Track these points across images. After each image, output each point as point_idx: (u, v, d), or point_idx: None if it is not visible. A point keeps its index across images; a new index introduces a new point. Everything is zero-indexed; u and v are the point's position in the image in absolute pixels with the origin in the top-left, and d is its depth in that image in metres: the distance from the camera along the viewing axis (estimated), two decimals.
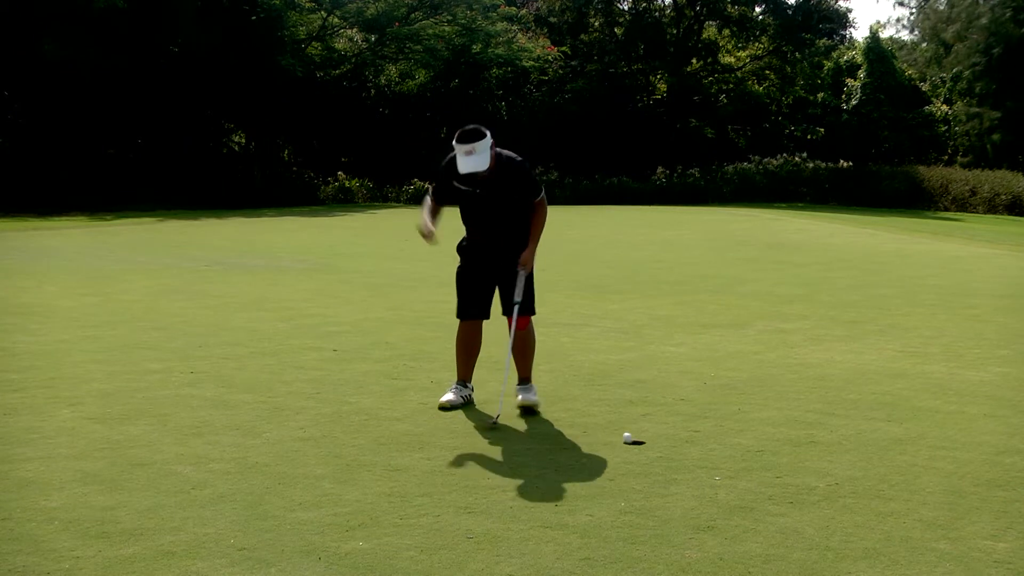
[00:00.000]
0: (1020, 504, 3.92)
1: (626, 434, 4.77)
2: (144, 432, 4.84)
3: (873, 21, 76.33)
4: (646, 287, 10.83)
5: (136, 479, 4.13)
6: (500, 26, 34.42)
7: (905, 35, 51.16)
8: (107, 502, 3.85)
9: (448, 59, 34.00)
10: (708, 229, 20.20)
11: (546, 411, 5.35)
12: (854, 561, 3.34)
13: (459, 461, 4.44)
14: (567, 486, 4.11)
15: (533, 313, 5.43)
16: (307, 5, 32.53)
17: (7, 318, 8.32)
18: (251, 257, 13.97)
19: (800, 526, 3.66)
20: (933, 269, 13.02)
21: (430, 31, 33.98)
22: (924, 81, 39.61)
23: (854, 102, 37.84)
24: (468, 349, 5.51)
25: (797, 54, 38.51)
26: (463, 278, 5.47)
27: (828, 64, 40.38)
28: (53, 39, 25.21)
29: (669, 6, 40.04)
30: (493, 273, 5.42)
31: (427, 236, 5.29)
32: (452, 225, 5.71)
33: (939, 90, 38.64)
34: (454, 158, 5.21)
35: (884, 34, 52.13)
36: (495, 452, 4.61)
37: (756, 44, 40.11)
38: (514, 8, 37.44)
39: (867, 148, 36.45)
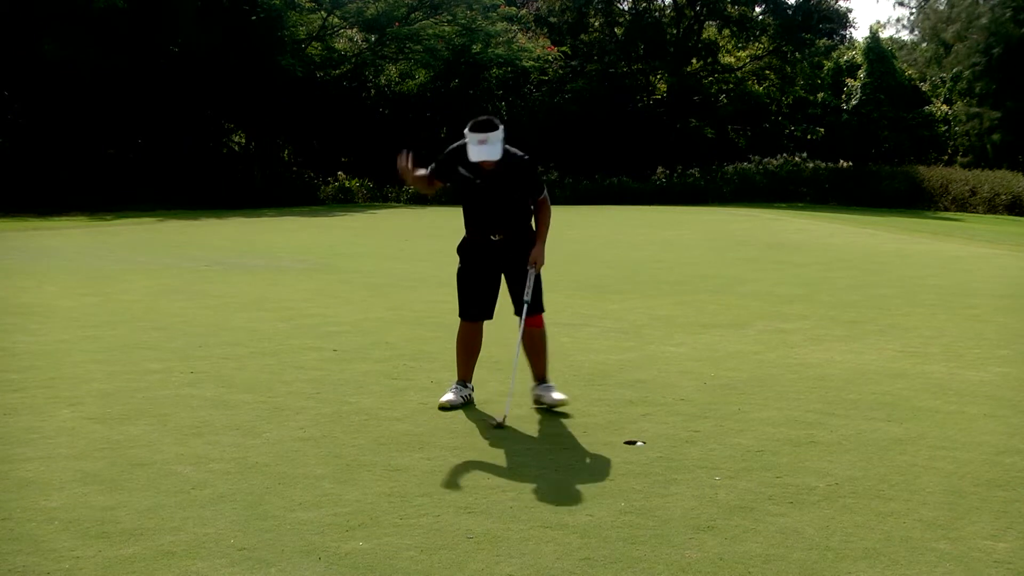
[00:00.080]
0: (1020, 504, 3.92)
1: (639, 442, 4.73)
2: (144, 432, 4.84)
3: (873, 21, 76.45)
4: (646, 287, 10.83)
5: (136, 479, 4.13)
6: (500, 26, 34.42)
7: (905, 35, 51.22)
8: (107, 502, 3.85)
9: (448, 59, 34.00)
10: (708, 229, 20.20)
11: (546, 411, 5.35)
12: (854, 561, 3.34)
13: (459, 461, 4.44)
14: (567, 486, 4.11)
15: (542, 310, 5.43)
16: (307, 5, 32.53)
17: (7, 318, 8.32)
18: (251, 257, 13.97)
19: (800, 526, 3.66)
20: (933, 269, 13.01)
21: (430, 31, 33.98)
22: (924, 81, 39.61)
23: (854, 102, 37.83)
24: (468, 349, 5.52)
25: (797, 54, 38.50)
26: (464, 278, 5.47)
27: (828, 64, 40.38)
28: (53, 39, 25.21)
29: (669, 6, 40.03)
30: (495, 272, 5.42)
31: (406, 163, 5.24)
32: (452, 225, 5.72)
33: (939, 90, 38.64)
34: (462, 146, 5.23)
35: (884, 34, 52.21)
36: (495, 452, 4.61)
37: (756, 44, 40.10)
38: (514, 8, 37.43)
39: (867, 148, 36.44)
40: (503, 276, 5.46)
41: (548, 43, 37.03)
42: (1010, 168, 31.28)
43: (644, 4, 39.49)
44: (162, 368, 6.29)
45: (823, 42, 38.74)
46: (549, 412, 5.32)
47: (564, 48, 37.51)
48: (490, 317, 5.50)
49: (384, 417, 5.16)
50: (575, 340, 7.43)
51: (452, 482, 4.14)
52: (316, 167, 32.90)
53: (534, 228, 5.45)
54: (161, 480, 4.12)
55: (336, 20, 34.15)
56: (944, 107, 37.63)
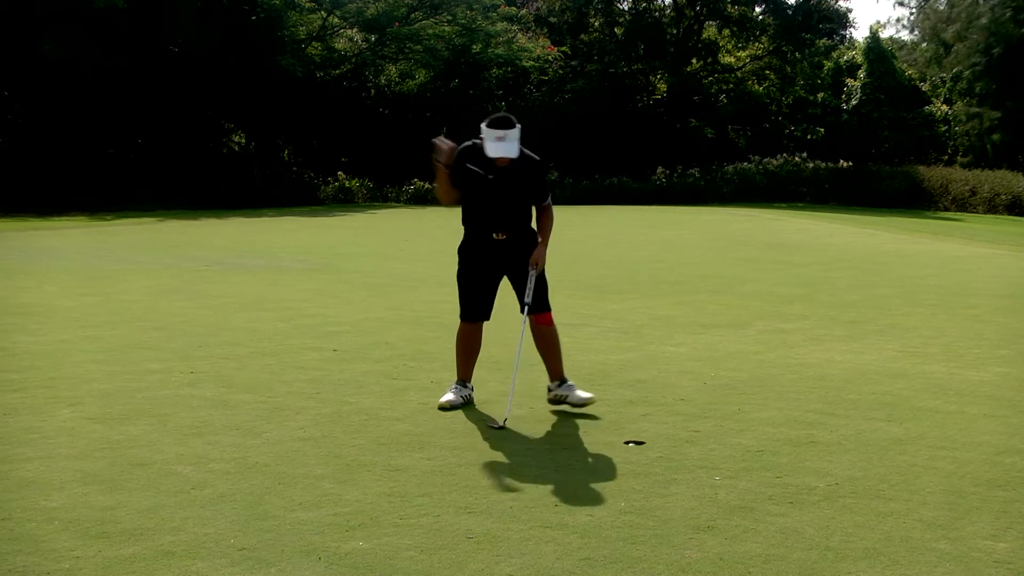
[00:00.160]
0: (1020, 504, 3.92)
1: (631, 443, 4.73)
2: (144, 432, 4.84)
3: (873, 21, 76.45)
4: (646, 287, 10.83)
5: (136, 479, 4.13)
6: (500, 26, 34.42)
7: (905, 35, 51.23)
8: (107, 502, 3.85)
9: (448, 59, 34.00)
10: (708, 229, 20.20)
11: (546, 411, 5.35)
12: (854, 561, 3.34)
13: (459, 461, 4.44)
14: (567, 486, 4.11)
15: (550, 308, 5.43)
16: (307, 5, 32.53)
17: (7, 318, 8.32)
18: (251, 257, 13.98)
19: (800, 526, 3.66)
20: (933, 269, 13.01)
21: (430, 31, 33.98)
22: (924, 81, 39.61)
23: (854, 102, 37.83)
24: (468, 349, 5.51)
25: (797, 54, 38.50)
26: (465, 279, 5.47)
27: (828, 64, 40.38)
28: (53, 39, 25.21)
29: (669, 6, 40.03)
30: (496, 273, 5.42)
31: (443, 149, 5.19)
32: (452, 225, 5.71)
33: (939, 90, 38.63)
34: (473, 144, 5.24)
35: (884, 34, 52.19)
36: (495, 452, 4.61)
37: (756, 44, 40.10)
38: (514, 8, 37.43)
39: (867, 148, 36.43)
40: (505, 277, 5.46)
41: (548, 43, 37.03)
42: (1010, 168, 31.28)
43: (644, 4, 39.49)
44: (162, 368, 6.29)
45: (823, 42, 38.74)
46: (549, 412, 5.32)
47: (564, 48, 37.51)
48: (488, 318, 5.50)
49: (384, 417, 5.16)
50: (575, 340, 7.42)
51: (452, 482, 4.14)
52: (316, 167, 32.89)
53: (535, 229, 5.45)
54: (161, 480, 4.12)
55: (336, 20, 34.15)
56: (944, 107, 37.62)
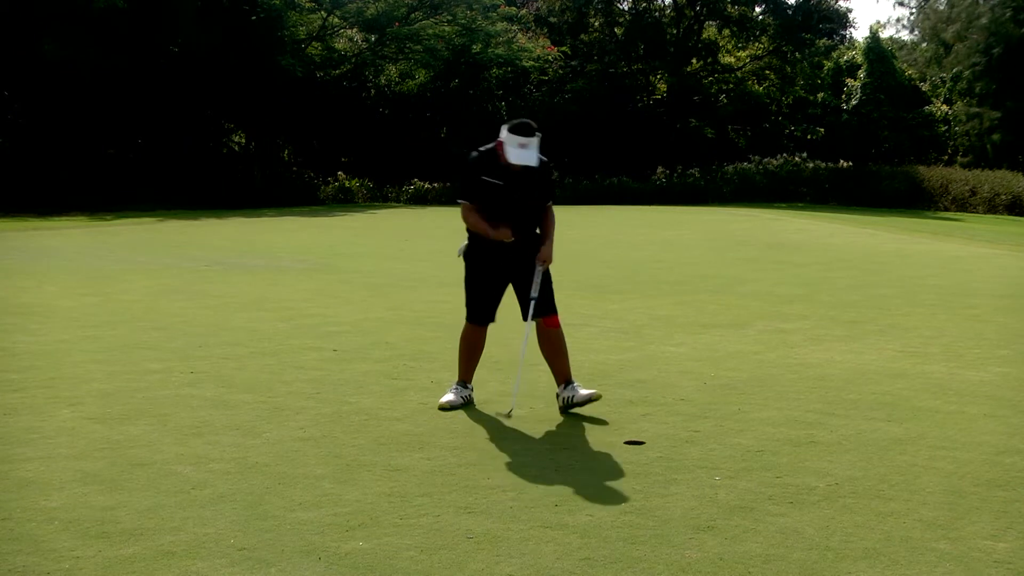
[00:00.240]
0: (1020, 504, 3.92)
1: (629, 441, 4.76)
2: (144, 432, 4.84)
3: (873, 21, 76.42)
4: (646, 287, 10.83)
5: (136, 479, 4.13)
6: (500, 26, 34.42)
7: (905, 35, 51.20)
8: (107, 502, 3.85)
9: (448, 59, 33.99)
10: (708, 229, 20.20)
11: (546, 411, 5.35)
12: (854, 561, 3.34)
13: (459, 461, 4.44)
14: (567, 486, 4.11)
15: (556, 312, 5.43)
16: (307, 5, 32.53)
17: (7, 318, 8.32)
18: (251, 257, 13.98)
19: (800, 526, 3.66)
20: (933, 269, 13.01)
21: (430, 31, 33.98)
22: (924, 81, 39.60)
23: (854, 102, 37.82)
24: (472, 351, 5.52)
25: (797, 54, 38.50)
26: (475, 283, 5.46)
27: (828, 64, 40.37)
28: (53, 39, 25.22)
29: (669, 6, 40.03)
30: (505, 276, 5.41)
31: (503, 233, 5.21)
32: (452, 225, 5.72)
33: (939, 90, 38.63)
34: (488, 152, 5.24)
35: (884, 34, 52.16)
36: (495, 452, 4.61)
37: (756, 44, 40.10)
38: (514, 8, 37.43)
39: (867, 148, 36.43)
40: (511, 280, 5.46)
41: (548, 43, 37.03)
42: (1010, 168, 31.28)
43: (644, 4, 39.49)
44: (162, 368, 6.29)
45: (823, 42, 38.74)
46: (549, 412, 5.32)
47: (564, 48, 37.51)
48: (494, 320, 5.52)
49: (384, 417, 5.16)
50: (575, 340, 7.39)
51: (452, 482, 4.14)
52: (316, 167, 32.90)
53: (538, 231, 5.46)
54: (161, 480, 4.12)
55: (336, 20, 34.16)
56: (944, 107, 37.62)
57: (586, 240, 17.07)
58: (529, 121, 5.18)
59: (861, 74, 38.19)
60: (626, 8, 39.96)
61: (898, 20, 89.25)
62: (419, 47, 33.93)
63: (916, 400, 5.62)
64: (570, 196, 31.07)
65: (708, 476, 4.23)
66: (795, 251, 15.35)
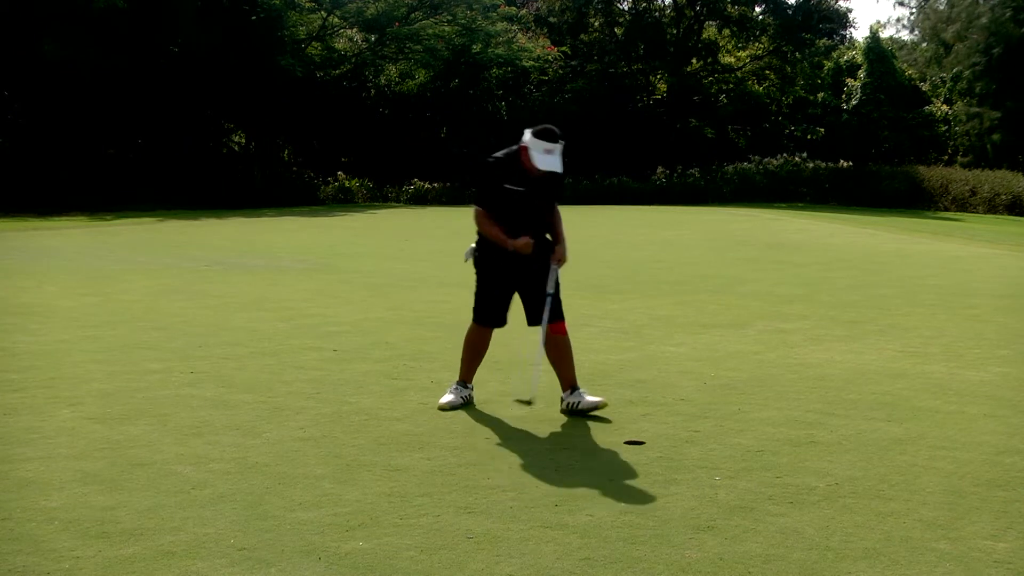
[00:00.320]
0: (1020, 504, 3.92)
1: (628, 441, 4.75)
2: (144, 432, 4.84)
3: (873, 21, 76.40)
4: (646, 287, 10.83)
5: (136, 479, 4.13)
6: (500, 26, 34.41)
7: (905, 35, 51.20)
8: (107, 502, 3.85)
9: (448, 59, 33.99)
10: (708, 229, 20.20)
11: (546, 411, 5.35)
12: (854, 561, 3.34)
13: (459, 461, 4.44)
14: (567, 486, 4.11)
15: (564, 319, 5.43)
16: (307, 5, 32.53)
17: (7, 318, 8.32)
18: (251, 257, 13.97)
19: (800, 526, 3.66)
20: (933, 269, 13.01)
21: (430, 31, 33.98)
22: (924, 81, 39.60)
23: (854, 102, 37.82)
24: (477, 352, 5.52)
25: (797, 54, 38.49)
26: (488, 287, 5.44)
27: (828, 64, 40.37)
28: (53, 39, 25.21)
29: (669, 6, 40.03)
30: (517, 280, 5.40)
31: (523, 244, 5.21)
32: (452, 225, 5.72)
33: (939, 90, 38.63)
34: (509, 157, 5.23)
35: (884, 34, 52.15)
36: (495, 452, 4.61)
37: (756, 44, 40.10)
38: (514, 8, 37.43)
39: (867, 148, 36.43)
40: (521, 283, 5.45)
41: (548, 43, 37.02)
42: (1010, 168, 31.27)
43: (644, 4, 39.49)
44: (162, 368, 6.29)
45: (823, 42, 38.74)
46: (549, 412, 5.32)
47: (564, 48, 37.51)
48: (502, 324, 5.51)
49: (384, 417, 5.16)
50: (575, 340, 7.36)
51: (452, 482, 4.14)
52: (316, 167, 32.89)
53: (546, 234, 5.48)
54: (161, 480, 4.12)
55: (336, 20, 34.16)
56: (944, 107, 37.62)
57: (586, 240, 17.06)
58: (553, 127, 5.18)
59: (861, 74, 38.19)
60: (626, 8, 39.96)
61: (898, 20, 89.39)
62: (419, 47, 33.92)
63: (916, 400, 5.63)
64: (570, 196, 30.99)
65: (708, 476, 4.23)
66: (795, 251, 15.35)
